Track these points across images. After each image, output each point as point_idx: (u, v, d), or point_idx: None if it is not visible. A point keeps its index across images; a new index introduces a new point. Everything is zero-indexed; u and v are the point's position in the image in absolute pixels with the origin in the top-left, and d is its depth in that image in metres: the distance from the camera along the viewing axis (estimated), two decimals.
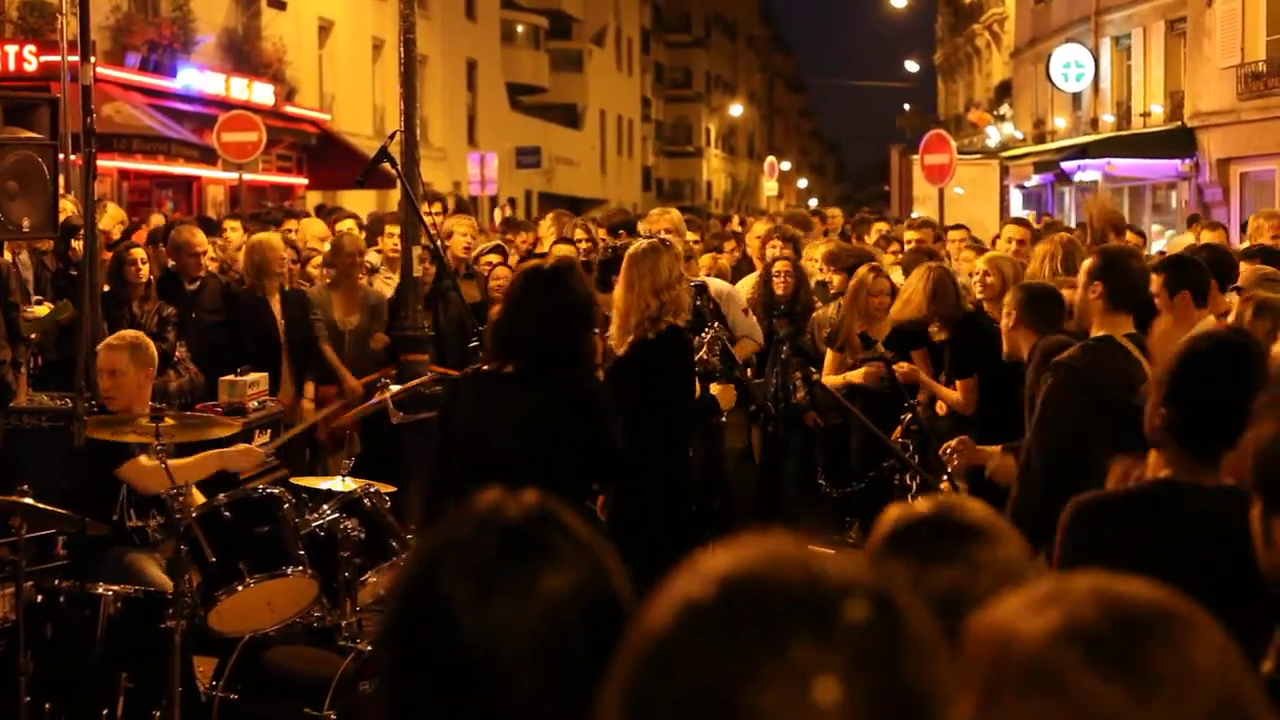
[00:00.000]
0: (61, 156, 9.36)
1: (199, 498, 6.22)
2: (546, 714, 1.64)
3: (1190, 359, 3.48)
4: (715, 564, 1.19)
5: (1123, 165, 31.18)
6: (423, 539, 1.81)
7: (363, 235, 11.58)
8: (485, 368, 5.25)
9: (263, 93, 26.79)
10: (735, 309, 8.65)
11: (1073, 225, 14.04)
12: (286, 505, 6.04)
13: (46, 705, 5.63)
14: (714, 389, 7.12)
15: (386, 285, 10.40)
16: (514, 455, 4.94)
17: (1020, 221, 12.30)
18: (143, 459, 6.24)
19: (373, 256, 10.99)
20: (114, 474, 6.26)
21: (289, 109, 28.28)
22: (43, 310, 8.88)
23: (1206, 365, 3.44)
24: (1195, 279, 5.63)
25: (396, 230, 10.76)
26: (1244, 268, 7.57)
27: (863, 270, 8.61)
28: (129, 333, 6.99)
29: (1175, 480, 3.42)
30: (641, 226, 10.74)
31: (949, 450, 5.99)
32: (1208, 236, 11.11)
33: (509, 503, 1.72)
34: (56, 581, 5.88)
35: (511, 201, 29.88)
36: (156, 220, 11.16)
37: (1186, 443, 3.41)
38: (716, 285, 8.71)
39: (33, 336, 8.70)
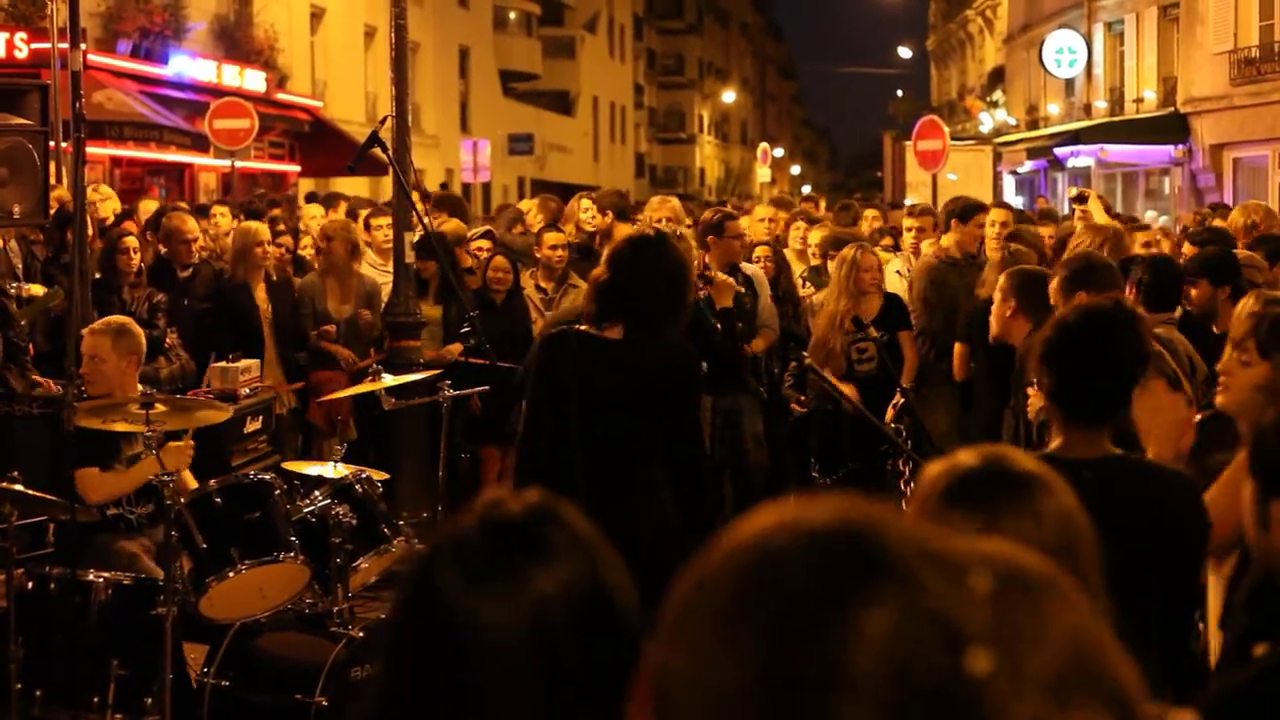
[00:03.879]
0: (53, 144, 9.32)
1: (190, 483, 6.21)
2: (531, 705, 1.65)
3: (1060, 330, 3.59)
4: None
5: (1116, 151, 31.21)
6: (432, 532, 1.84)
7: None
8: (584, 328, 5.28)
9: (254, 80, 26.71)
10: (766, 295, 8.83)
11: (1067, 211, 13.96)
12: (278, 491, 6.02)
13: (38, 692, 5.62)
14: None
15: (374, 271, 10.42)
16: (621, 414, 5.01)
17: (1004, 205, 12.27)
18: (94, 471, 6.27)
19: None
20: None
21: (281, 96, 28.19)
22: (36, 289, 8.84)
23: (1075, 337, 3.53)
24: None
25: (384, 221, 10.78)
26: (1187, 249, 7.75)
27: (849, 250, 8.53)
28: (116, 318, 6.95)
29: (1055, 455, 3.45)
30: (639, 216, 10.72)
31: None
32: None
33: (513, 500, 1.74)
34: (47, 568, 5.86)
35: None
36: (147, 207, 11.04)
37: (1071, 412, 3.49)
38: (750, 270, 8.88)
39: (22, 323, 8.66)
